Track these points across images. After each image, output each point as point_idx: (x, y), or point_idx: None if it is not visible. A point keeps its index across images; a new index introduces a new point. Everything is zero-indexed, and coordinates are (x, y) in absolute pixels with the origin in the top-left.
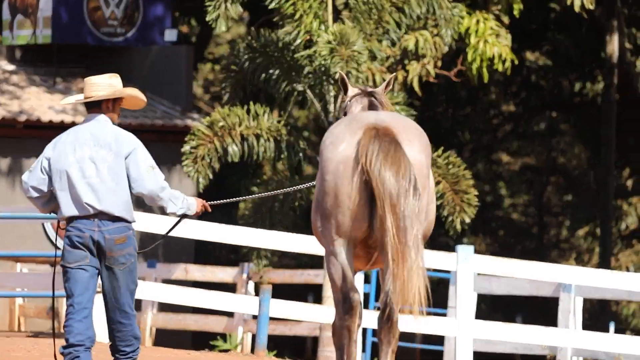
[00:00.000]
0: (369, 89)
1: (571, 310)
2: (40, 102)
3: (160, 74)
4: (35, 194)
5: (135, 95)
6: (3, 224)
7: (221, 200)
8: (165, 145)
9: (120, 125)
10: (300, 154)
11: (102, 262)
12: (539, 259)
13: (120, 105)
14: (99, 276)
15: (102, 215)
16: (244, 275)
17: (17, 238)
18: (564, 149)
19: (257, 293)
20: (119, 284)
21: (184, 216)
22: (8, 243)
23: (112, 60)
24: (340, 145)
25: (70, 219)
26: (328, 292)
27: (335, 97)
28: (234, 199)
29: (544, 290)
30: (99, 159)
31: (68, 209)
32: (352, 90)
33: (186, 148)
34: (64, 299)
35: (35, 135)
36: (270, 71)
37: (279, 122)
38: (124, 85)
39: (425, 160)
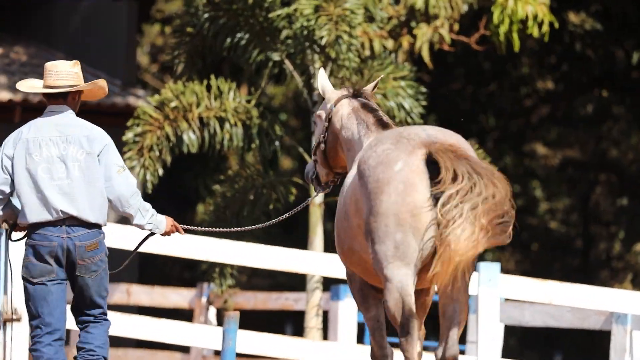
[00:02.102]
0: (355, 89)
1: (627, 348)
2: None
3: (93, 38)
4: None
5: (102, 87)
6: None
7: (197, 227)
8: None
9: (43, 102)
10: (277, 143)
11: (71, 272)
12: (584, 281)
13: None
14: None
15: (70, 220)
16: (203, 299)
17: None
18: (616, 139)
19: (220, 322)
20: (90, 292)
21: (150, 234)
22: None
23: (29, 20)
24: (395, 165)
25: (34, 226)
26: (312, 322)
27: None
28: (215, 229)
29: (590, 322)
30: (69, 158)
31: (33, 214)
32: (334, 93)
33: (129, 136)
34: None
35: None
36: (238, 35)
37: (248, 101)
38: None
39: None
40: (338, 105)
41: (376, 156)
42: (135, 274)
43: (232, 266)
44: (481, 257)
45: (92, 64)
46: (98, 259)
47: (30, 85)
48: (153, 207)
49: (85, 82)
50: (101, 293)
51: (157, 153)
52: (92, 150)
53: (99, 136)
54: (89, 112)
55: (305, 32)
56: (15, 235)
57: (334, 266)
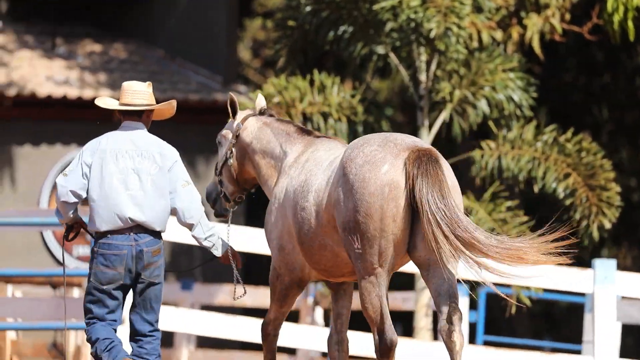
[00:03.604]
0: (261, 108)
1: None
2: (35, 71)
3: (193, 33)
4: (73, 199)
5: (173, 107)
6: None
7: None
8: (202, 128)
9: None
10: None
11: (135, 278)
12: None
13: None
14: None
15: (137, 228)
16: (310, 299)
17: (7, 251)
18: None
19: (327, 323)
20: (150, 297)
21: (211, 258)
22: None
23: (128, 17)
24: (382, 166)
25: (103, 234)
26: (421, 322)
27: (428, 63)
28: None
29: None
30: (142, 171)
31: (104, 221)
32: (240, 113)
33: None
34: (73, 333)
35: (30, 115)
36: (341, 28)
37: (353, 96)
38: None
39: (457, 183)
40: (245, 122)
41: (363, 155)
42: (240, 275)
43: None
44: (596, 254)
45: (193, 60)
46: (160, 263)
47: (107, 103)
48: (255, 205)
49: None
50: (159, 299)
51: None
52: (163, 166)
53: (170, 153)
54: (191, 110)
55: (411, 25)
56: (71, 236)
57: None
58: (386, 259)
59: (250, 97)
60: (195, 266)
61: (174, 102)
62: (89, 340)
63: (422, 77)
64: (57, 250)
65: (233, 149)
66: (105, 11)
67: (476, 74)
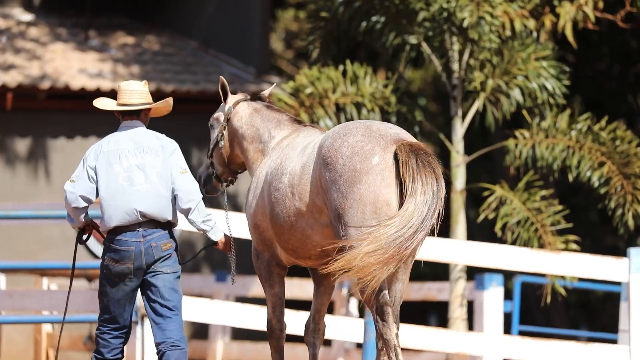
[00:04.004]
0: (252, 94)
1: None
2: (68, 64)
3: (226, 25)
4: (83, 204)
5: (170, 104)
6: (23, 226)
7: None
8: None
9: (177, 92)
10: (416, 129)
11: (146, 272)
12: None
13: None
14: (139, 289)
15: (146, 224)
16: (344, 291)
17: (42, 244)
18: None
19: (361, 314)
20: (164, 285)
21: (211, 244)
22: (30, 251)
23: (161, 8)
24: (372, 158)
25: (113, 231)
26: (456, 312)
27: (461, 52)
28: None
29: None
30: (147, 166)
31: (113, 218)
32: (232, 97)
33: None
34: None
35: (63, 107)
36: (374, 19)
37: (385, 86)
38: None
39: None
40: (237, 107)
41: (349, 146)
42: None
43: None
44: (632, 243)
45: (226, 51)
46: (172, 256)
47: (105, 104)
48: None
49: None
50: (175, 287)
51: None
52: (166, 158)
53: (169, 143)
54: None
55: (444, 15)
56: (84, 237)
57: (478, 254)
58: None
59: (283, 88)
60: (196, 254)
61: (170, 100)
62: (95, 346)
63: (455, 66)
64: (92, 243)
65: (224, 132)
66: (139, 3)
67: (509, 62)
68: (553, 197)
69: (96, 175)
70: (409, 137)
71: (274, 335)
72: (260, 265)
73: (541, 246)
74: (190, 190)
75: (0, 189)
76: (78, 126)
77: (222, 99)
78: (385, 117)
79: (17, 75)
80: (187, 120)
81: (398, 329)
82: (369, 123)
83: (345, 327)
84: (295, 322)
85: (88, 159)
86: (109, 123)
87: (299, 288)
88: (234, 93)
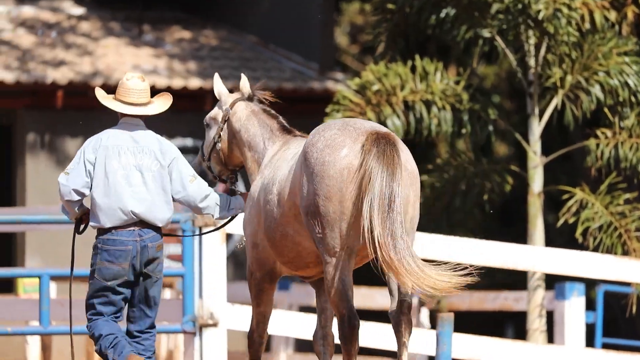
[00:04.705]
0: (249, 93)
1: None
2: (121, 60)
3: (286, 18)
4: (77, 198)
5: (169, 102)
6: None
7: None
8: (297, 117)
9: (236, 90)
10: (490, 127)
11: (138, 274)
12: None
13: None
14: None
15: (141, 224)
16: (415, 300)
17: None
18: None
19: (433, 325)
20: (153, 292)
21: (234, 216)
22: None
23: (218, 1)
24: (341, 150)
25: (107, 230)
26: (535, 323)
27: (538, 47)
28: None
29: None
30: (144, 168)
31: (109, 217)
32: (229, 96)
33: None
34: (164, 336)
35: None
36: (444, 11)
37: (457, 82)
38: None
39: (418, 172)
40: (235, 107)
41: (324, 140)
42: None
43: (445, 263)
44: None
45: (287, 46)
46: (162, 259)
47: (113, 105)
48: None
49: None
50: (157, 297)
51: None
52: (164, 163)
53: (169, 149)
54: (285, 98)
55: (519, 6)
56: (81, 227)
57: (557, 262)
58: (347, 242)
59: (347, 84)
60: (220, 226)
61: (169, 99)
62: (92, 336)
63: (531, 61)
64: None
65: (222, 134)
66: None
67: (589, 58)
68: (638, 200)
69: (93, 169)
70: (385, 129)
71: (254, 346)
72: (252, 282)
73: (625, 253)
74: (203, 197)
75: (50, 192)
76: None
77: (218, 97)
78: (456, 115)
79: (68, 71)
80: None
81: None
82: (349, 120)
83: (416, 338)
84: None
85: (86, 152)
86: (162, 120)
87: (370, 298)
88: (231, 91)
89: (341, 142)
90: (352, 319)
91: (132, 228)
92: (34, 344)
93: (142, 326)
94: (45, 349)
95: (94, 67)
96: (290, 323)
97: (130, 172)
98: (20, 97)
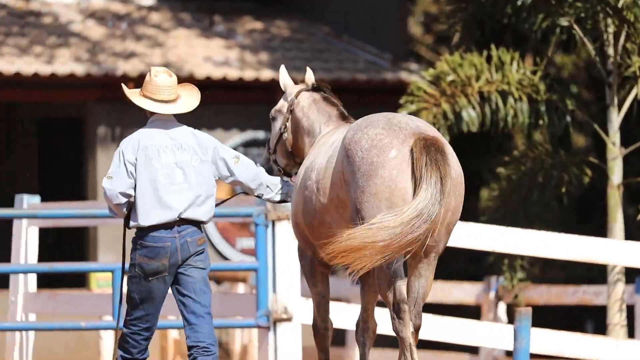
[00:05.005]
0: (314, 83)
1: None
2: (192, 51)
3: (359, 8)
4: (124, 200)
5: (198, 96)
6: None
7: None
8: (370, 109)
9: None
10: (567, 118)
11: (180, 269)
12: None
13: None
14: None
15: (181, 221)
16: (492, 294)
17: None
18: None
19: (510, 319)
20: (198, 280)
21: (283, 201)
22: None
23: None
24: (390, 151)
25: (149, 229)
26: (615, 318)
27: (617, 35)
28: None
29: None
30: (185, 164)
31: (151, 216)
32: (294, 87)
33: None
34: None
35: None
36: None
37: (534, 73)
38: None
39: (462, 175)
40: (299, 97)
41: (368, 139)
42: None
43: (522, 257)
44: None
45: (360, 37)
46: (206, 251)
47: (131, 93)
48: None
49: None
50: (207, 284)
51: None
52: (204, 157)
53: (206, 141)
54: (358, 90)
55: None
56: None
57: (637, 255)
58: None
59: (421, 75)
60: (228, 198)
61: (195, 91)
62: (120, 347)
63: (610, 50)
64: (220, 243)
65: (287, 124)
66: None
67: None
68: None
69: (135, 170)
70: (430, 130)
71: (319, 334)
72: (304, 263)
73: None
74: (253, 175)
75: None
76: (203, 118)
77: (284, 89)
78: (533, 105)
79: (138, 63)
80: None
81: (419, 327)
82: (391, 115)
83: (493, 333)
84: (437, 329)
85: (126, 153)
86: (236, 113)
87: (447, 292)
88: (296, 83)
89: (388, 143)
90: (399, 304)
91: (171, 226)
92: (107, 339)
93: (197, 311)
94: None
95: (164, 58)
96: None
97: (172, 170)
98: (90, 90)
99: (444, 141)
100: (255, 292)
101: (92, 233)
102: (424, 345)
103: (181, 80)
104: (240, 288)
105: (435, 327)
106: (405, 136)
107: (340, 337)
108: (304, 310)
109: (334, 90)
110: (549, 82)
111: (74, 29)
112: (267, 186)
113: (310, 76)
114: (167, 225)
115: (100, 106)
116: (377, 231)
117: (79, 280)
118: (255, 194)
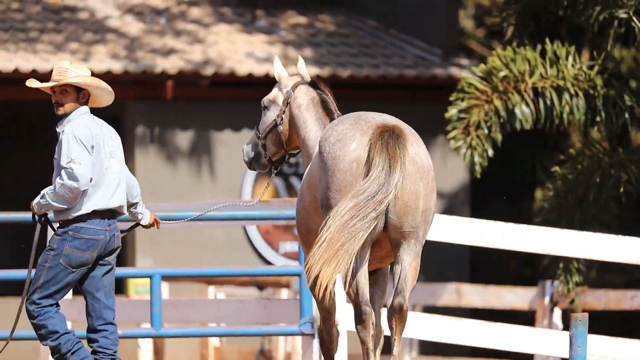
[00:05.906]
0: (311, 78)
1: None
2: (233, 47)
3: (408, 3)
4: (87, 188)
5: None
6: (184, 229)
7: (175, 221)
8: (419, 106)
9: (355, 77)
10: (626, 115)
11: (96, 262)
12: None
13: None
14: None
15: (109, 213)
16: (546, 299)
17: (207, 249)
18: None
19: (566, 325)
20: (111, 282)
21: (136, 224)
22: (195, 256)
23: None
24: (351, 144)
25: (80, 218)
26: None
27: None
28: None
29: None
30: (116, 154)
31: (95, 205)
32: (290, 79)
33: (452, 112)
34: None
35: (229, 95)
36: None
37: (590, 67)
38: None
39: (432, 165)
40: (296, 91)
41: (336, 134)
42: (466, 273)
43: (578, 260)
44: None
45: (408, 31)
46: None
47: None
48: (484, 194)
49: None
50: (113, 286)
51: (486, 131)
52: (120, 148)
53: (115, 133)
54: (407, 86)
55: None
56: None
57: None
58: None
59: (472, 70)
60: (126, 230)
61: (111, 93)
62: (40, 327)
63: None
64: (262, 246)
65: (283, 117)
66: None
67: None
68: None
69: (93, 157)
70: (394, 121)
71: (324, 345)
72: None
73: None
74: (137, 183)
75: (160, 187)
76: (245, 117)
77: (279, 79)
78: (590, 102)
79: (178, 60)
80: (367, 107)
81: (401, 306)
82: (363, 113)
83: (547, 340)
84: (489, 335)
85: (84, 140)
86: None
87: (499, 297)
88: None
89: (351, 136)
90: (361, 306)
91: (103, 218)
92: (145, 347)
93: (108, 318)
94: (158, 352)
95: (205, 55)
96: (414, 324)
97: (110, 160)
98: (128, 88)
99: (406, 129)
100: (299, 297)
101: (130, 238)
102: (475, 352)
103: (223, 77)
104: (284, 293)
105: (487, 334)
106: (367, 128)
107: (385, 344)
108: (349, 317)
109: (381, 87)
110: (607, 77)
111: (110, 24)
112: (140, 200)
113: (302, 66)
114: (100, 217)
115: (138, 105)
116: (334, 225)
117: (117, 287)
118: (133, 203)
